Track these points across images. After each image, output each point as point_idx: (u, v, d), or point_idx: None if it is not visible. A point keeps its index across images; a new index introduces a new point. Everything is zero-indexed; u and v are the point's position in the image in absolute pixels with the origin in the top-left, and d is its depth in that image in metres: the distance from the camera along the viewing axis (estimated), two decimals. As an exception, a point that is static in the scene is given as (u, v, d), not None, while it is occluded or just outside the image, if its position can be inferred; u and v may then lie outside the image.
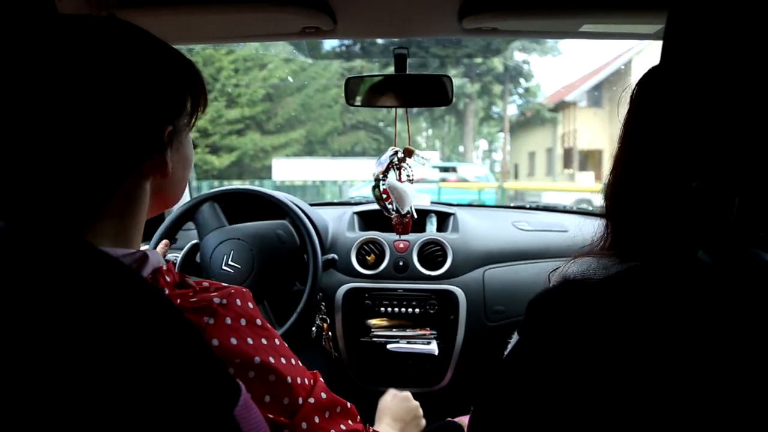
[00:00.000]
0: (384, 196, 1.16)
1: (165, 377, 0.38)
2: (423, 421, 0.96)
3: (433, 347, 1.34)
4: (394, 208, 1.17)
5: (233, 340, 0.47)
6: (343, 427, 0.57)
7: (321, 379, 0.59)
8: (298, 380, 0.54)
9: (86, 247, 0.41)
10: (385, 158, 1.20)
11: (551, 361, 0.44)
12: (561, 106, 15.97)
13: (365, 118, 15.19)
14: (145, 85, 0.48)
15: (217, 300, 0.48)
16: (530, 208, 1.79)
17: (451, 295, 1.39)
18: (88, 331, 0.36)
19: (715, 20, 0.45)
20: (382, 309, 1.40)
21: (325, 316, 1.39)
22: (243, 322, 0.49)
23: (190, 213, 1.27)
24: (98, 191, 0.46)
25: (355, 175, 12.67)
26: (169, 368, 0.38)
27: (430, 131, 19.65)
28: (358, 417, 0.62)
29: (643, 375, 0.40)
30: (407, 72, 1.17)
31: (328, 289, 1.42)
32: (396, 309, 1.40)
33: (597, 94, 15.19)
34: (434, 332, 1.37)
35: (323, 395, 0.56)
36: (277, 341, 0.53)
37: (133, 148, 0.48)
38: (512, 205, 1.87)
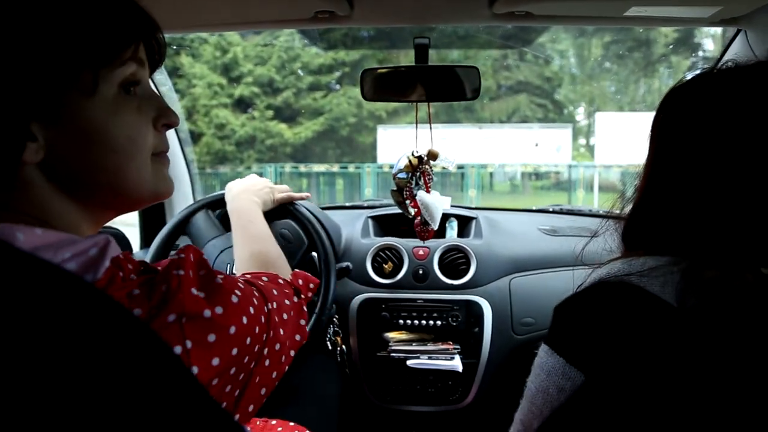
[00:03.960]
0: (413, 210, 1.07)
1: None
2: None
3: (457, 363, 1.23)
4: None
5: (199, 292, 0.48)
6: (275, 292, 0.63)
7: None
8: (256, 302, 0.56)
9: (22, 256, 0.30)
10: (404, 160, 1.10)
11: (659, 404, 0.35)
12: None
13: (527, 77, 10.88)
14: None
15: (174, 255, 0.49)
16: (554, 212, 1.68)
17: (475, 305, 1.28)
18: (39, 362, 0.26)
19: None
20: (401, 321, 1.30)
21: (338, 329, 1.28)
22: (202, 272, 0.50)
23: (182, 226, 1.12)
24: None
25: (514, 156, 8.79)
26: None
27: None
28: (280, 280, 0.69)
29: None
30: (429, 63, 1.07)
31: (341, 299, 1.31)
32: (416, 321, 1.29)
33: None
34: (457, 346, 1.26)
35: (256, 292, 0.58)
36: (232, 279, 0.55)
37: None
38: (534, 208, 1.76)
